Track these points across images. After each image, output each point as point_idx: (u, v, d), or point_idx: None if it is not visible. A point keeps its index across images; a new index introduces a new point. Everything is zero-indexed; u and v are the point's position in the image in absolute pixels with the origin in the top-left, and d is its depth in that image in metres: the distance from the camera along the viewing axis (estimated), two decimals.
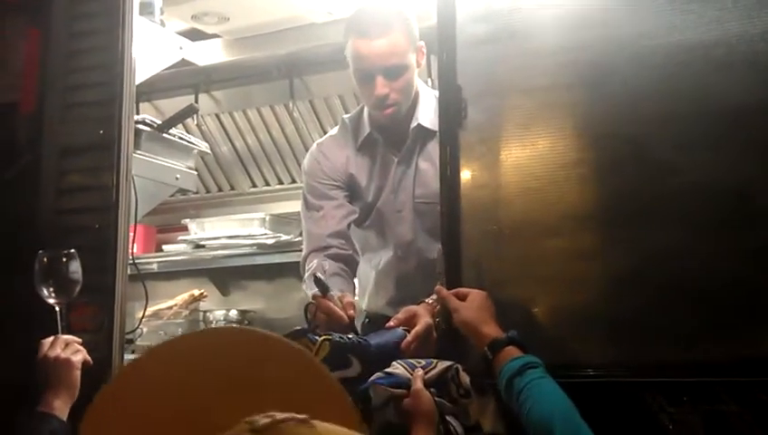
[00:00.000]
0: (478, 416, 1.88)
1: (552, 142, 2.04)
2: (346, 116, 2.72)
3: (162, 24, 3.43)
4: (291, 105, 3.85)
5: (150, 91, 3.77)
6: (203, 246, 3.97)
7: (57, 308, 2.14)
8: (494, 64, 2.13)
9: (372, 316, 2.62)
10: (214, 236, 3.93)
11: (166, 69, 3.59)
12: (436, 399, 1.82)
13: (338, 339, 1.94)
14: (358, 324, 2.25)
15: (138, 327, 2.90)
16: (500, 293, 1.99)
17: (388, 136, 2.58)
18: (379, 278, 2.64)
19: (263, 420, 0.65)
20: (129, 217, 2.54)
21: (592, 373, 1.93)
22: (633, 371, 1.91)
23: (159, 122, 3.13)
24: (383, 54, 2.40)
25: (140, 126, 2.97)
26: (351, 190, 2.61)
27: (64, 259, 2.17)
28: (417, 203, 2.54)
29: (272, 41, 3.75)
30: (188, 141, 3.33)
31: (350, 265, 2.52)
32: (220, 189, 4.33)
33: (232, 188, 4.31)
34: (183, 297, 3.75)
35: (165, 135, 3.14)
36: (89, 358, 2.10)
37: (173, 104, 3.67)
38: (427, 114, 2.50)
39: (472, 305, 1.93)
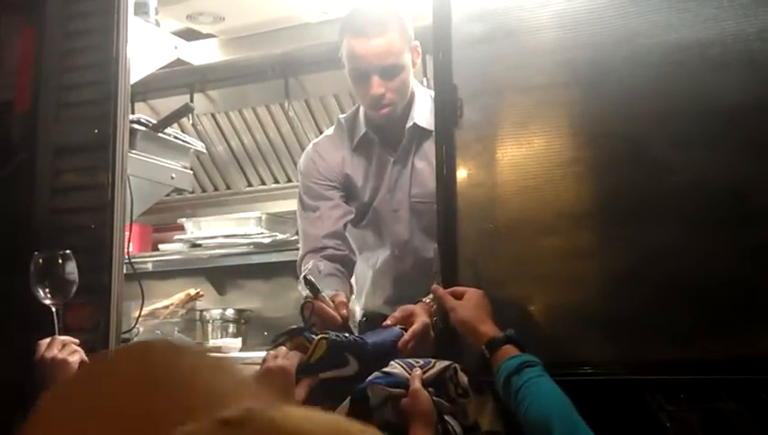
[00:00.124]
0: (476, 415, 1.88)
1: (548, 141, 2.04)
2: (342, 116, 2.72)
3: (157, 23, 3.42)
4: (286, 104, 3.85)
5: (145, 90, 3.76)
6: (199, 246, 3.97)
7: (54, 309, 2.13)
8: (489, 63, 2.13)
9: (369, 315, 2.62)
10: (210, 236, 3.93)
11: (161, 68, 3.58)
12: (435, 398, 1.82)
13: (335, 337, 1.94)
14: (355, 323, 2.25)
15: (134, 327, 2.89)
16: (497, 291, 1.99)
17: (383, 136, 2.58)
18: (377, 277, 2.64)
19: (234, 412, 0.63)
20: (124, 216, 2.54)
21: (590, 371, 1.94)
22: (631, 369, 1.91)
23: (155, 122, 3.12)
24: (379, 54, 2.40)
25: (135, 125, 2.97)
26: (347, 190, 2.61)
27: (60, 260, 2.16)
28: (413, 202, 2.54)
29: (267, 40, 3.74)
30: (184, 141, 3.32)
31: (345, 265, 2.52)
32: (216, 189, 4.33)
33: (228, 188, 4.31)
34: (179, 297, 3.74)
35: (160, 134, 3.13)
36: (86, 358, 2.09)
37: (168, 104, 3.67)
38: (422, 114, 2.50)
39: (468, 304, 1.93)
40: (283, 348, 1.90)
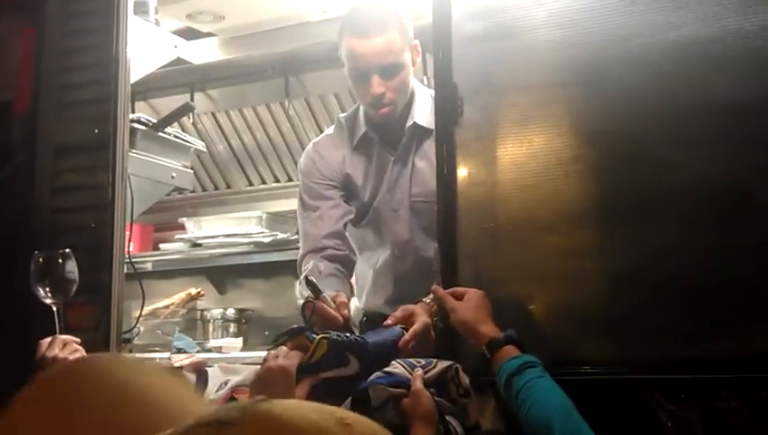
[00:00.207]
0: (478, 416, 1.88)
1: (548, 139, 2.04)
2: (342, 115, 2.71)
3: (157, 22, 3.42)
4: (286, 103, 3.85)
5: (146, 89, 3.76)
6: (200, 245, 3.97)
7: (54, 308, 2.13)
8: (489, 62, 2.13)
9: (370, 315, 2.62)
10: (211, 235, 3.93)
11: (161, 68, 3.58)
12: (436, 399, 1.81)
13: (335, 337, 1.94)
14: (355, 324, 2.25)
15: (135, 326, 2.89)
16: (497, 291, 1.99)
17: (384, 135, 2.57)
18: (377, 277, 2.63)
19: (228, 411, 0.62)
20: (124, 215, 2.54)
21: (591, 371, 1.93)
22: (632, 368, 1.91)
23: (155, 121, 3.12)
24: (379, 53, 2.39)
25: (136, 125, 2.97)
26: (348, 190, 2.60)
27: (60, 259, 2.16)
28: (413, 202, 2.54)
29: (267, 39, 3.74)
30: (184, 140, 3.32)
31: (346, 265, 2.52)
32: (216, 188, 4.33)
33: (228, 187, 4.31)
34: (180, 296, 3.74)
35: (160, 134, 3.14)
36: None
37: (168, 103, 3.67)
38: (422, 113, 2.50)
39: (469, 305, 1.92)
40: (284, 347, 1.90)
